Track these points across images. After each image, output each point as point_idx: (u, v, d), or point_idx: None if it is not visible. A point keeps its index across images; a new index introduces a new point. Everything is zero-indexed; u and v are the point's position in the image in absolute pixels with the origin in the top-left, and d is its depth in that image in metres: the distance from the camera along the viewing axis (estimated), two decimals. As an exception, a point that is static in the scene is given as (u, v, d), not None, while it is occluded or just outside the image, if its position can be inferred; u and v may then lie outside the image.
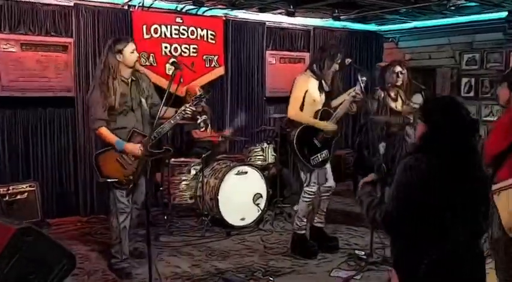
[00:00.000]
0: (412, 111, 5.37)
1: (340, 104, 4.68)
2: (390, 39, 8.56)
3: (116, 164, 4.07)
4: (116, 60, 4.04)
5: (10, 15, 5.38)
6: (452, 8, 6.31)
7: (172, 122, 4.08)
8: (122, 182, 4.06)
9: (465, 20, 7.20)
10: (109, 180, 4.04)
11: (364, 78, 4.53)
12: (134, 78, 4.20)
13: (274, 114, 6.76)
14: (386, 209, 2.23)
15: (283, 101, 7.45)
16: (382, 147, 5.07)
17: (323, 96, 4.67)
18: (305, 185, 4.70)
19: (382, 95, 5.29)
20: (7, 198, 5.11)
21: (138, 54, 4.20)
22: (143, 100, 4.21)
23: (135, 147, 4.05)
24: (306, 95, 4.58)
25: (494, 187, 3.07)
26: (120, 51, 4.05)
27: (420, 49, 8.15)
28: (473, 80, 7.52)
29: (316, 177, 4.70)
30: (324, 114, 4.65)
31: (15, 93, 5.47)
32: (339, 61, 4.60)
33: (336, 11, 6.85)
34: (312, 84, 4.59)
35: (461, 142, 2.17)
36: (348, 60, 4.61)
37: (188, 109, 4.09)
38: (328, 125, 4.60)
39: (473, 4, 6.31)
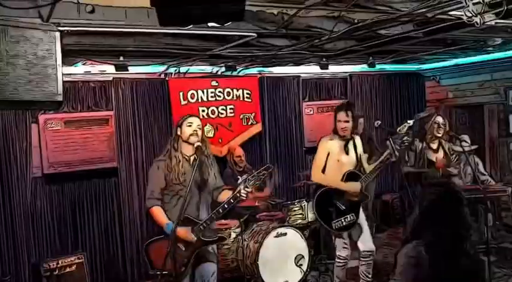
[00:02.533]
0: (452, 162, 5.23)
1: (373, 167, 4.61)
2: (431, 78, 8.37)
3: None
4: (176, 133, 3.96)
5: (54, 96, 5.70)
6: (490, 48, 6.15)
7: (226, 206, 3.82)
8: (172, 274, 3.69)
9: (507, 55, 6.94)
10: (158, 272, 3.70)
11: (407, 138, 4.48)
12: (197, 158, 3.87)
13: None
14: None
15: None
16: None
17: (352, 157, 4.60)
18: (336, 250, 4.63)
19: (420, 147, 5.17)
20: (56, 272, 5.29)
21: (195, 129, 3.92)
22: (206, 182, 3.94)
23: (187, 233, 3.76)
24: (329, 157, 4.55)
25: None
26: (180, 125, 3.96)
27: (463, 86, 7.91)
28: (521, 116, 7.24)
29: (345, 242, 4.61)
30: (352, 176, 4.57)
31: (62, 168, 5.69)
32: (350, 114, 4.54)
33: (370, 58, 6.80)
34: (334, 146, 4.57)
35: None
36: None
37: (243, 192, 3.78)
38: (351, 187, 4.51)
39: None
